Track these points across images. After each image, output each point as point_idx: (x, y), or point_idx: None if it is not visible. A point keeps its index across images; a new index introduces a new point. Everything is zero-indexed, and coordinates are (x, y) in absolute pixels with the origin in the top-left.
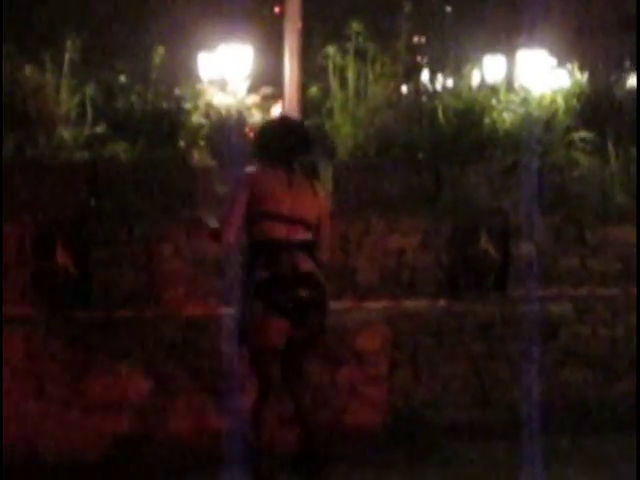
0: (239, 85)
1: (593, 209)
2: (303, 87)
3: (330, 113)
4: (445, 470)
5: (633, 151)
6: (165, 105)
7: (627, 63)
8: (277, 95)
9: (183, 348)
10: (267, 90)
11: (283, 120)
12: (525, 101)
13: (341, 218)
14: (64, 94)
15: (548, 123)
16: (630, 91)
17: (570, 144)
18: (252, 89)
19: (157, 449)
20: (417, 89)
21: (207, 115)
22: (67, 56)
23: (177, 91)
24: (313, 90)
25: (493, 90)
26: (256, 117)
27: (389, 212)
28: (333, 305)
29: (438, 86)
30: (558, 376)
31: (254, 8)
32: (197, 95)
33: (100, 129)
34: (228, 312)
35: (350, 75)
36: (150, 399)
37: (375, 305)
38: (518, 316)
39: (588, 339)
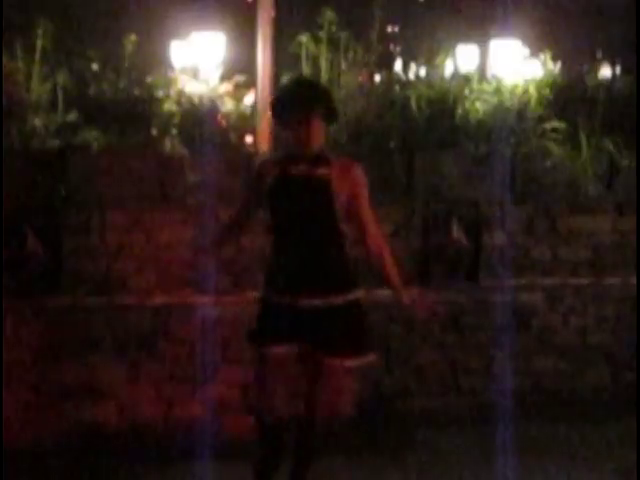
0: (211, 73)
1: (565, 199)
2: (276, 75)
3: None
4: (417, 459)
5: (604, 141)
6: (137, 93)
7: (599, 53)
8: (250, 83)
9: (154, 336)
10: (240, 78)
11: None
12: (498, 91)
13: None
14: (35, 81)
15: (520, 113)
16: (602, 81)
17: (542, 134)
18: (224, 77)
19: (127, 437)
20: (390, 78)
21: (179, 103)
22: (39, 43)
23: (149, 79)
24: (286, 78)
25: (466, 79)
26: (228, 105)
27: None
28: None
29: (411, 75)
30: (529, 365)
31: None
32: (169, 83)
33: (72, 117)
34: (199, 300)
35: (323, 64)
36: (120, 387)
37: None
38: (489, 305)
39: (559, 328)
